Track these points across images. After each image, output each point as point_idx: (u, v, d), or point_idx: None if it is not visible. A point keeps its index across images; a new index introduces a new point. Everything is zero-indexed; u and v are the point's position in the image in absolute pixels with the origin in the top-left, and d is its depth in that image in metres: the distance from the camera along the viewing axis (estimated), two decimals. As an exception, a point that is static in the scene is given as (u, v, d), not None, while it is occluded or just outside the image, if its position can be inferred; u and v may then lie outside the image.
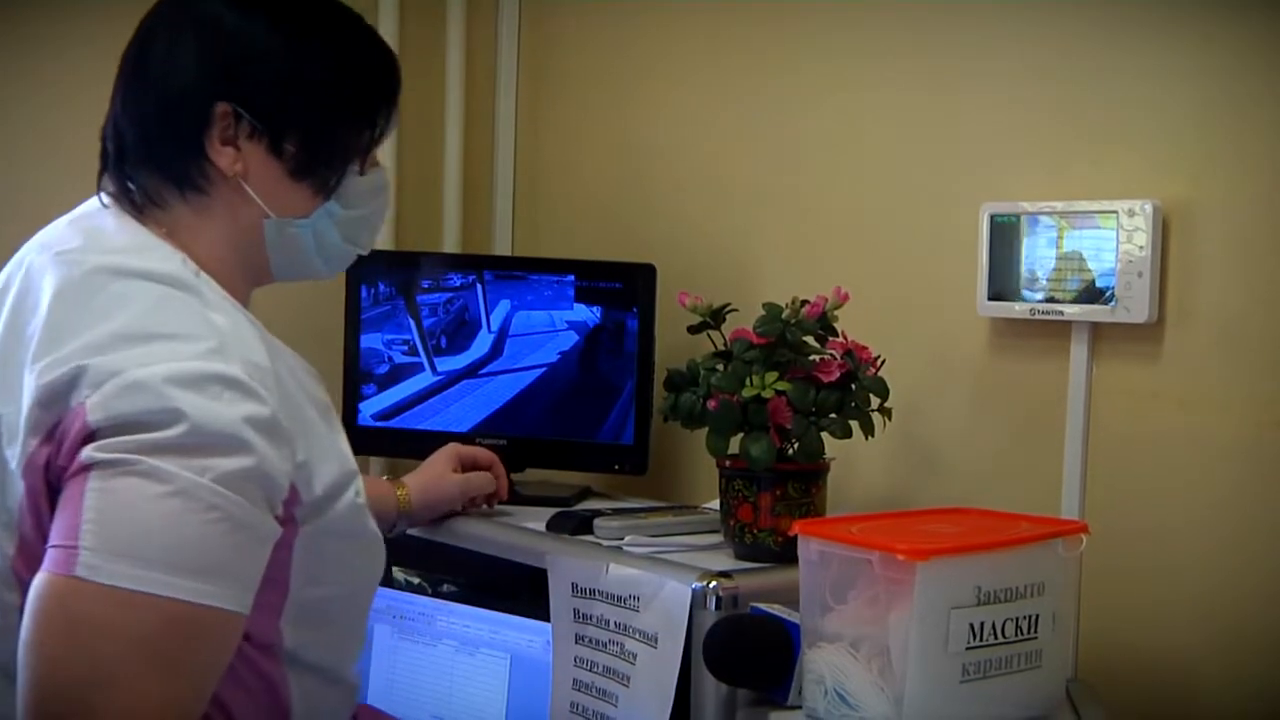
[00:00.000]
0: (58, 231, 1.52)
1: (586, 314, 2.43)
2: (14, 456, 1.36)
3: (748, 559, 1.98)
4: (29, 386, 1.35)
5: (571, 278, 2.43)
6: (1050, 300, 1.99)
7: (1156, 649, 1.93)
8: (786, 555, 1.78)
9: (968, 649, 1.59)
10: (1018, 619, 1.63)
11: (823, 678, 1.63)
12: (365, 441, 2.50)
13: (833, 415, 1.97)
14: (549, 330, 2.44)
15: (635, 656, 1.92)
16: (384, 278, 2.49)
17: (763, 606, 1.76)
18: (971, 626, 1.59)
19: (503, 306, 2.46)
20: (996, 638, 1.61)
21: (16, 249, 1.54)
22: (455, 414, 2.48)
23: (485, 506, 2.24)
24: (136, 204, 1.51)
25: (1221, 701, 1.88)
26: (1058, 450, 2.01)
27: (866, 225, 2.27)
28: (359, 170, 1.58)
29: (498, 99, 2.85)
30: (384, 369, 2.49)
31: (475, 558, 2.22)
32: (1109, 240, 1.92)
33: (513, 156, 2.84)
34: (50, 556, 1.28)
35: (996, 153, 2.10)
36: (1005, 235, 2.02)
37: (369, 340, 2.49)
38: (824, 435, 1.96)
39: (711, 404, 1.97)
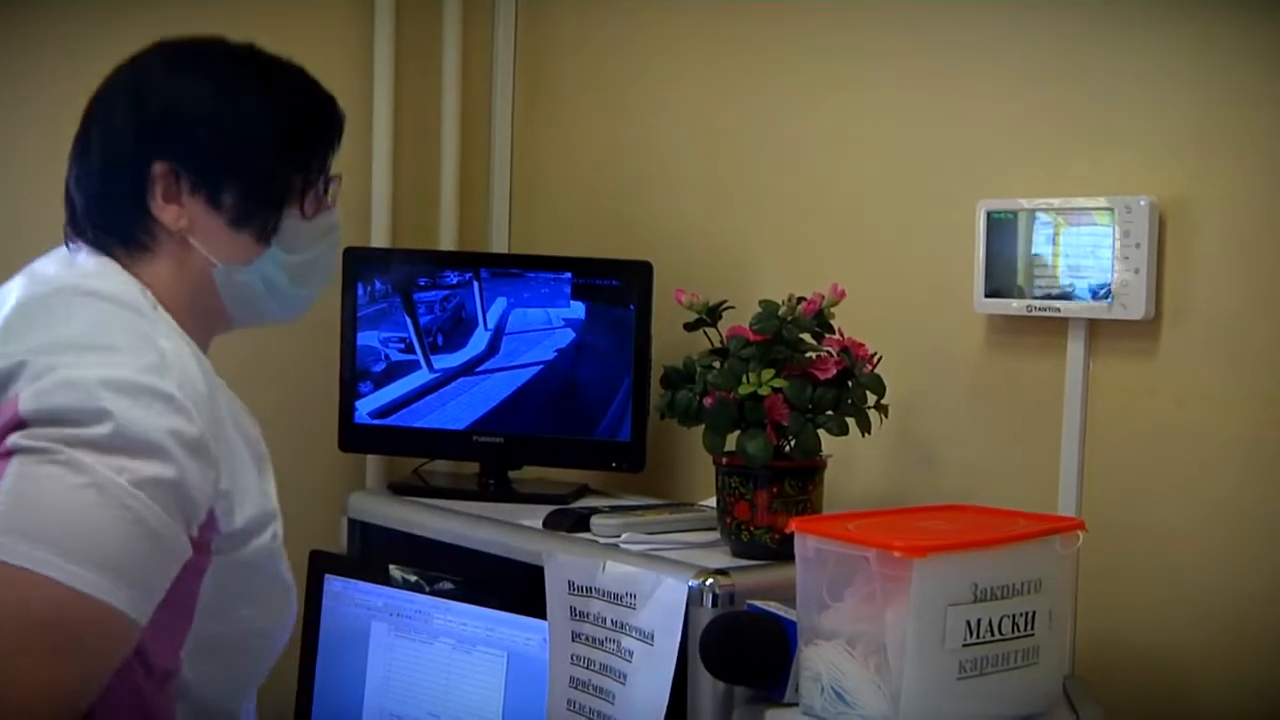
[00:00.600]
0: (40, 261, 1.59)
1: (583, 311, 2.45)
2: None
3: (744, 556, 1.99)
4: None
5: (568, 275, 2.45)
6: (1047, 297, 1.99)
7: (1154, 646, 1.93)
8: (783, 552, 1.79)
9: (964, 646, 1.59)
10: (1014, 616, 1.63)
11: (819, 675, 1.64)
12: (362, 439, 2.56)
13: (829, 412, 1.98)
14: (546, 328, 2.46)
15: (632, 654, 1.93)
16: (381, 275, 2.51)
17: (759, 604, 1.77)
18: (968, 623, 1.59)
19: (499, 304, 2.47)
20: (993, 635, 1.61)
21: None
22: (452, 411, 2.49)
23: None
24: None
25: (1221, 701, 1.88)
26: (1055, 447, 2.01)
27: (863, 223, 2.28)
28: (302, 214, 1.60)
29: (494, 98, 2.86)
30: (380, 367, 2.51)
31: (472, 555, 2.24)
32: (1106, 237, 1.93)
33: (509, 155, 2.85)
34: None
35: (993, 150, 2.11)
36: (1002, 232, 2.03)
37: (365, 338, 2.51)
38: (820, 432, 1.97)
39: (708, 401, 1.99)
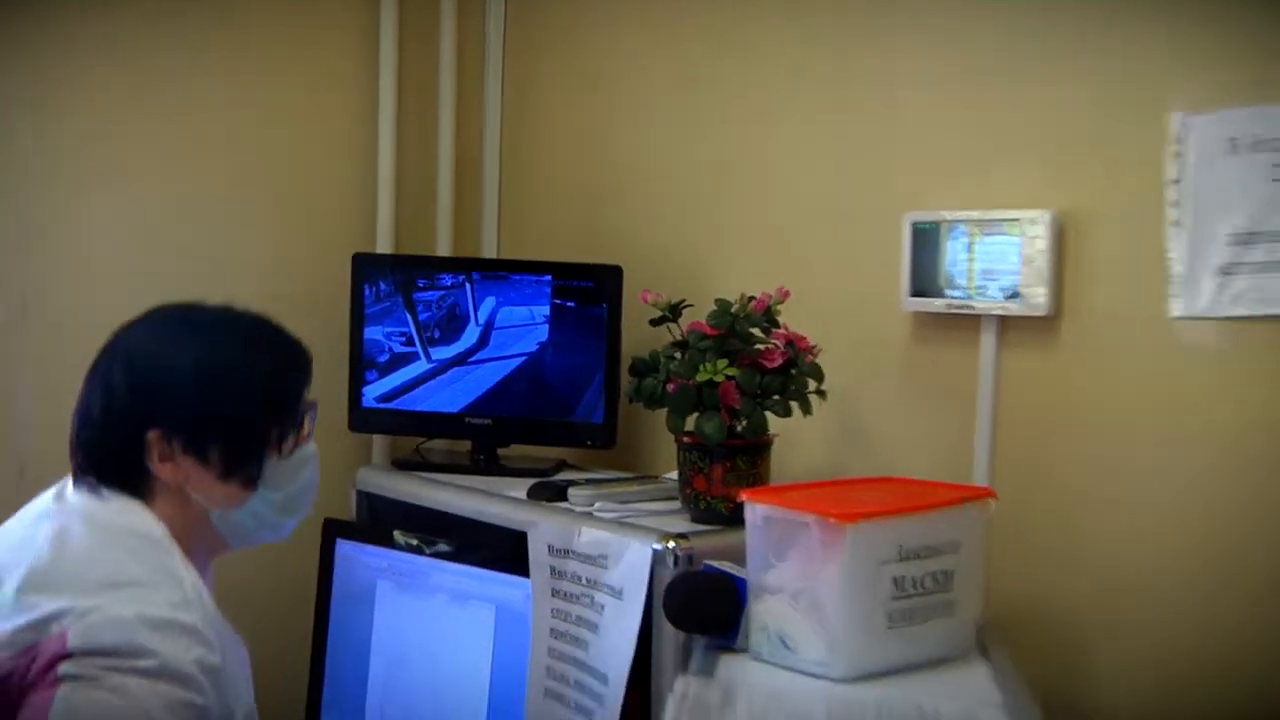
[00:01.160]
0: (69, 487, 1.61)
1: (562, 309, 2.44)
2: None
3: (702, 522, 1.99)
4: (12, 605, 1.43)
5: (549, 278, 2.44)
6: (964, 297, 1.99)
7: (1056, 599, 1.93)
8: (735, 519, 1.75)
9: (892, 600, 1.60)
10: (935, 573, 1.64)
11: (766, 625, 1.65)
12: (369, 421, 2.54)
13: (776, 397, 1.98)
14: (529, 323, 2.45)
15: (604, 608, 1.95)
16: (384, 278, 2.50)
17: (715, 564, 1.77)
18: (895, 580, 1.60)
19: (489, 303, 2.47)
20: (917, 590, 1.62)
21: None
22: (447, 397, 2.49)
23: None
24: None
25: (1113, 644, 1.89)
26: (970, 426, 2.01)
27: (806, 232, 2.27)
28: (281, 455, 1.62)
29: (484, 123, 2.83)
30: (385, 357, 2.50)
31: (465, 522, 2.25)
32: (1014, 245, 1.93)
33: (498, 173, 2.83)
34: None
35: (918, 170, 2.10)
36: (925, 240, 2.03)
37: (371, 332, 2.49)
38: (768, 414, 1.98)
39: (670, 387, 1.99)
